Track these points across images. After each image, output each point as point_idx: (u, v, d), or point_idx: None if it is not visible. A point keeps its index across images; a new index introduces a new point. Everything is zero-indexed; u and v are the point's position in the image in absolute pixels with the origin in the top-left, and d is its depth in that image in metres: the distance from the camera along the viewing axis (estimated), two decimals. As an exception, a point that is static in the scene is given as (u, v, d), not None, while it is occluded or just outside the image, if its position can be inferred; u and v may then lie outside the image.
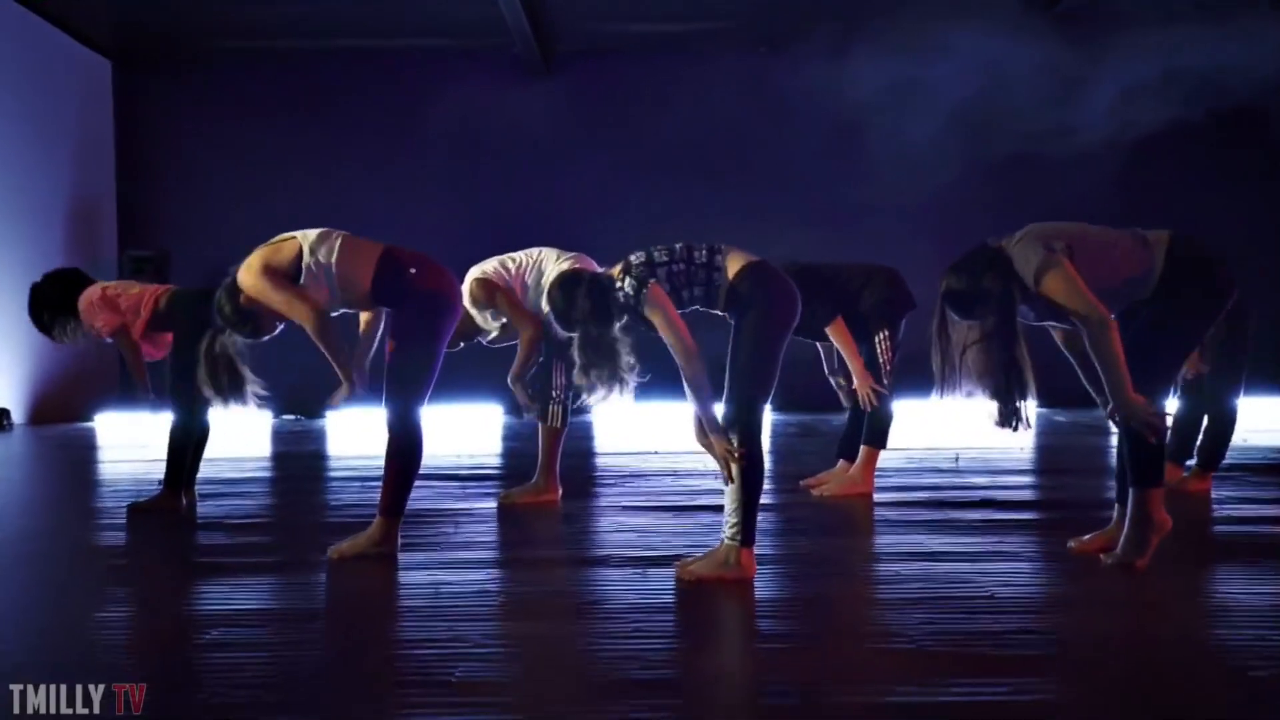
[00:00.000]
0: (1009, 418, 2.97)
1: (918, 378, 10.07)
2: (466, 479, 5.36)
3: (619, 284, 2.90)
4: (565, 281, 2.99)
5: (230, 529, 4.07)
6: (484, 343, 4.56)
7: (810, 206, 10.06)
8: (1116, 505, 3.27)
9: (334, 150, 11.15)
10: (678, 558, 3.21)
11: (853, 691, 2.15)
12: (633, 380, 2.91)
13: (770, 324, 2.91)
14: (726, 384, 2.92)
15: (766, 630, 2.69)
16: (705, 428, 2.90)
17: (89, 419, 10.37)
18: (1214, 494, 4.56)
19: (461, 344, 4.28)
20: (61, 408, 10.36)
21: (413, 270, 3.25)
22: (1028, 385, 2.95)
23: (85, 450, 7.99)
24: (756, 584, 2.94)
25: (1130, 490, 3.03)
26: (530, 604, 2.93)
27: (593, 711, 2.05)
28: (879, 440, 4.60)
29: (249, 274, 3.26)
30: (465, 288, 4.13)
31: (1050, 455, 6.57)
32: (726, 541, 2.94)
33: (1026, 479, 5.44)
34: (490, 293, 4.19)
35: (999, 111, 7.94)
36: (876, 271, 4.65)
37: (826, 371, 4.88)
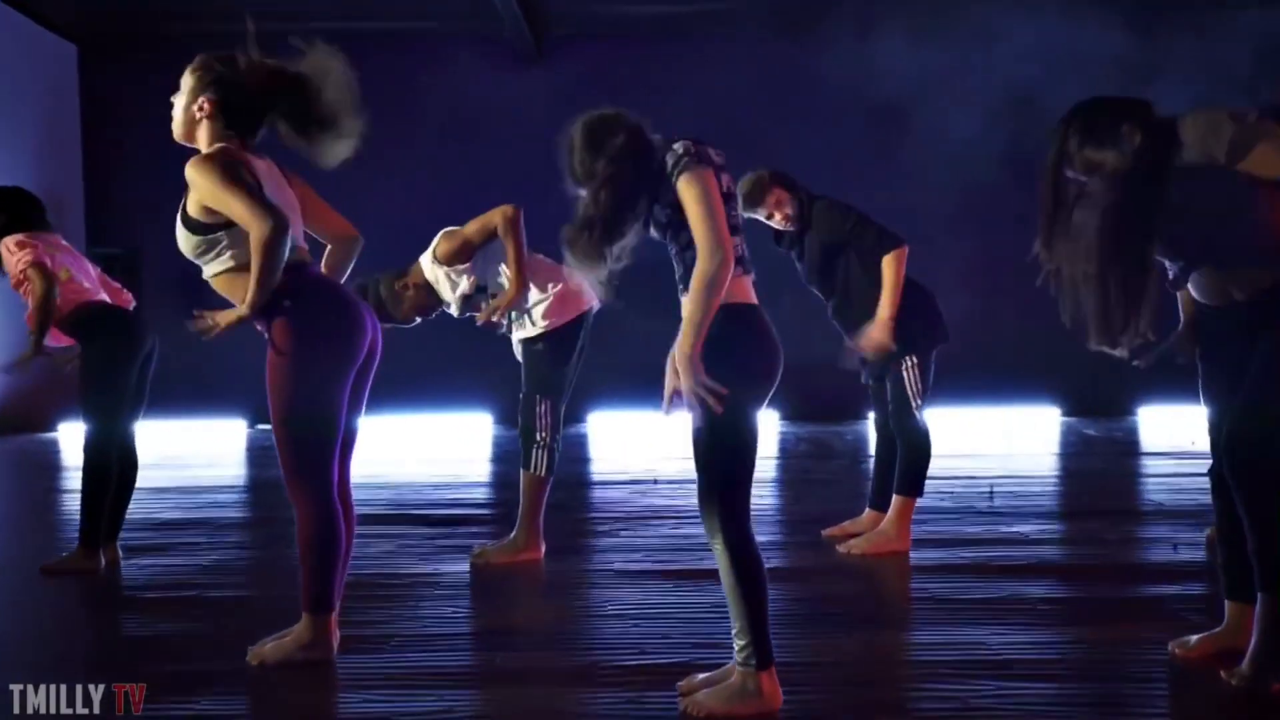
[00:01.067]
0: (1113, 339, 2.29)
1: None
2: (438, 522, 4.71)
3: (670, 149, 2.33)
4: (602, 118, 2.40)
5: (149, 609, 3.44)
6: (447, 311, 4.00)
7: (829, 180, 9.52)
8: (1228, 600, 2.62)
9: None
10: (678, 666, 2.58)
11: None
12: (611, 279, 2.34)
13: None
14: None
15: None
16: (685, 355, 2.24)
17: (52, 429, 9.78)
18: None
19: (418, 319, 3.98)
20: (24, 418, 9.77)
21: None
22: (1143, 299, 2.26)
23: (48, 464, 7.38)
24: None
25: (1262, 593, 2.38)
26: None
27: None
28: (914, 488, 3.96)
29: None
30: (431, 249, 3.83)
31: (1090, 483, 5.95)
32: (739, 667, 2.31)
33: (1074, 523, 4.77)
34: (464, 244, 3.76)
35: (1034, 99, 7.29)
36: (909, 287, 3.99)
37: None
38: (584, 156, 2.36)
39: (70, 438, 9.21)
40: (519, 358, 3.91)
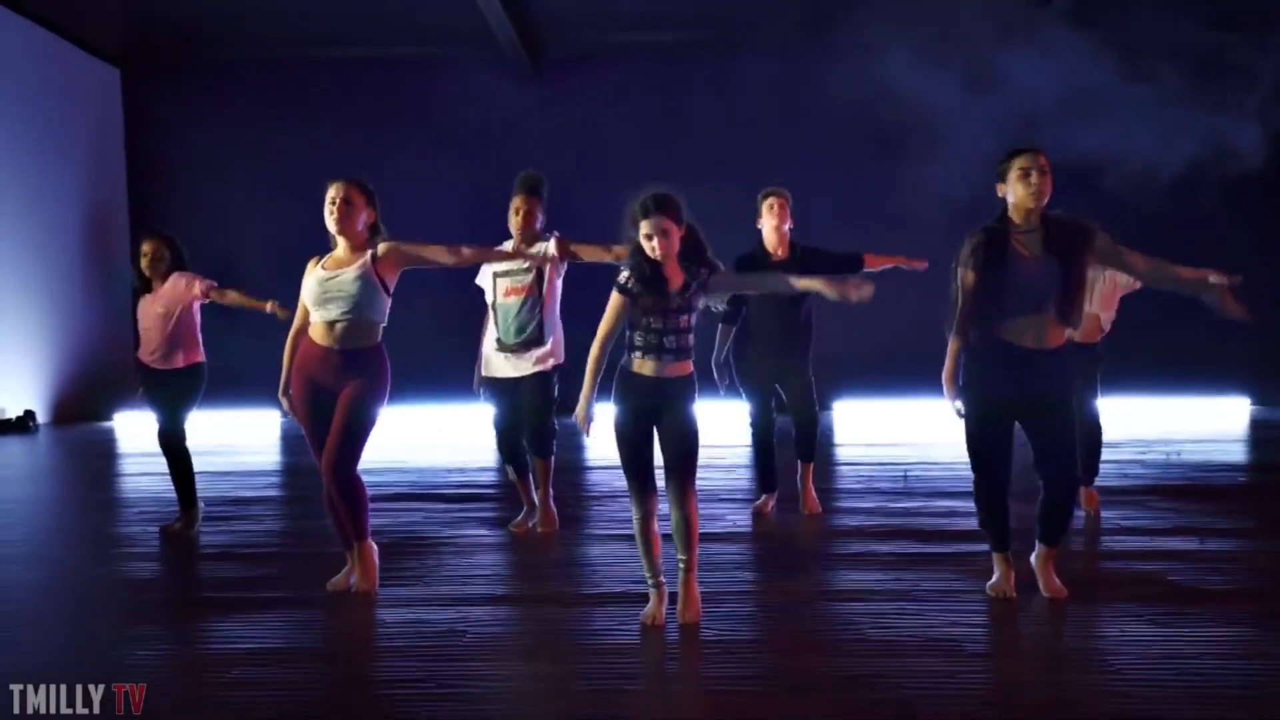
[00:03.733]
0: None
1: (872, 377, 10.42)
2: (455, 499, 5.84)
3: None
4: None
5: (234, 558, 4.58)
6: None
7: (806, 205, 10.45)
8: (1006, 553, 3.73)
9: (333, 153, 11.50)
10: (630, 595, 3.69)
11: None
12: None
13: None
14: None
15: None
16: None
17: (108, 419, 10.92)
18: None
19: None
20: (82, 408, 10.90)
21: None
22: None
23: (106, 452, 8.50)
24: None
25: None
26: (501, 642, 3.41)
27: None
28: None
29: None
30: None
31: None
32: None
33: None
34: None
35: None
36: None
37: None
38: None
39: (126, 427, 10.36)
40: (529, 384, 4.77)
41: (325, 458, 3.78)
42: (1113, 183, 8.88)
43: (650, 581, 3.49)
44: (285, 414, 3.87)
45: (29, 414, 10.12)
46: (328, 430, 3.78)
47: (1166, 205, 8.89)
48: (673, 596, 3.51)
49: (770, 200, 5.11)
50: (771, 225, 5.10)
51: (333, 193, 3.86)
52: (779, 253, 5.10)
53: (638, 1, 10.27)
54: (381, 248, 3.87)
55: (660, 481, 3.44)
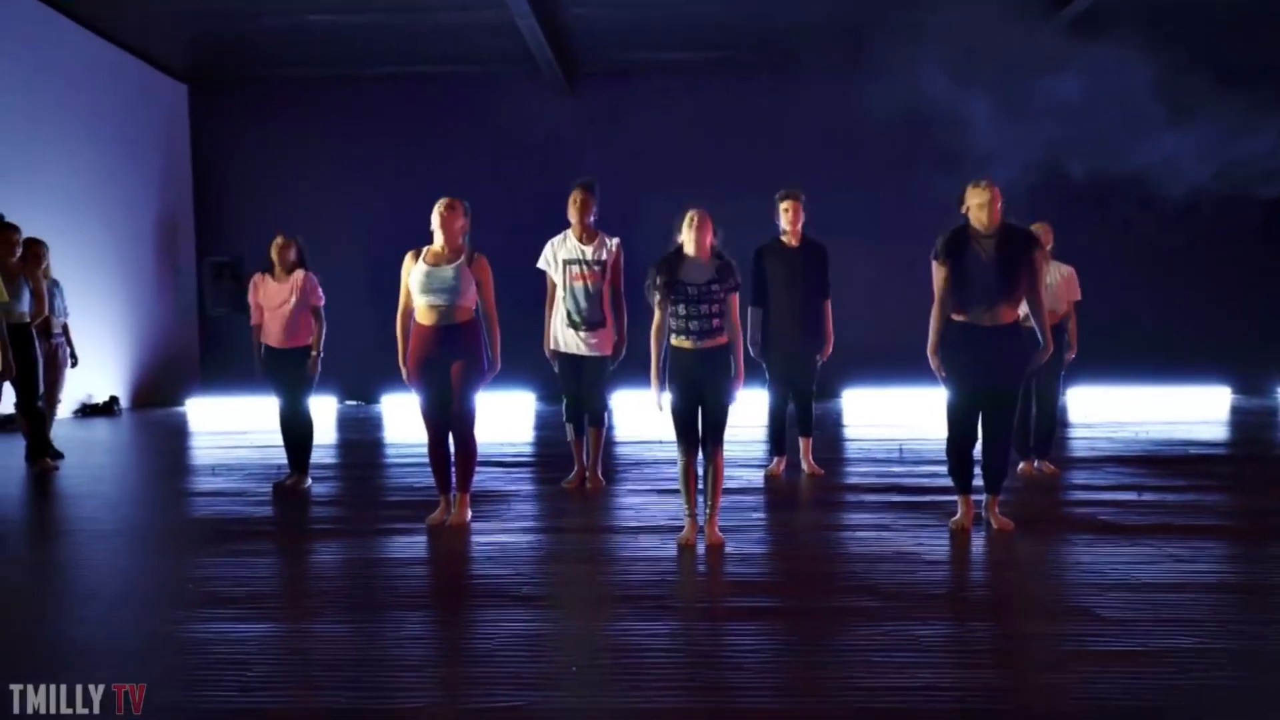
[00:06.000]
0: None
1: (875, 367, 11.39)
2: (511, 465, 6.87)
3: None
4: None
5: (334, 502, 5.61)
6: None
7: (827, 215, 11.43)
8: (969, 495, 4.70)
9: (382, 163, 12.61)
10: (665, 527, 4.69)
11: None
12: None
13: None
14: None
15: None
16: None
17: (180, 404, 12.02)
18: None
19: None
20: (157, 393, 12.01)
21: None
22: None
23: (180, 433, 9.57)
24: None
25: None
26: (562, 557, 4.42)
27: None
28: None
29: None
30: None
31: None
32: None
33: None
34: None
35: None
36: None
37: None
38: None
39: (197, 410, 11.45)
40: (590, 363, 5.71)
41: (452, 418, 4.78)
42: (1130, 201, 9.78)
43: (686, 512, 4.49)
44: (406, 382, 4.85)
45: (114, 399, 11.22)
46: (437, 394, 4.80)
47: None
48: (703, 531, 4.51)
49: (786, 203, 6.09)
50: (788, 220, 6.08)
51: (440, 208, 4.84)
52: (792, 242, 6.08)
53: (666, 22, 11.23)
54: (476, 259, 4.86)
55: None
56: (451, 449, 4.91)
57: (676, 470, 4.51)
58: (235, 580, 3.98)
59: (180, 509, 5.74)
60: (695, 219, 4.37)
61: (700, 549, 4.39)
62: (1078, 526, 4.78)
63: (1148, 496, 5.50)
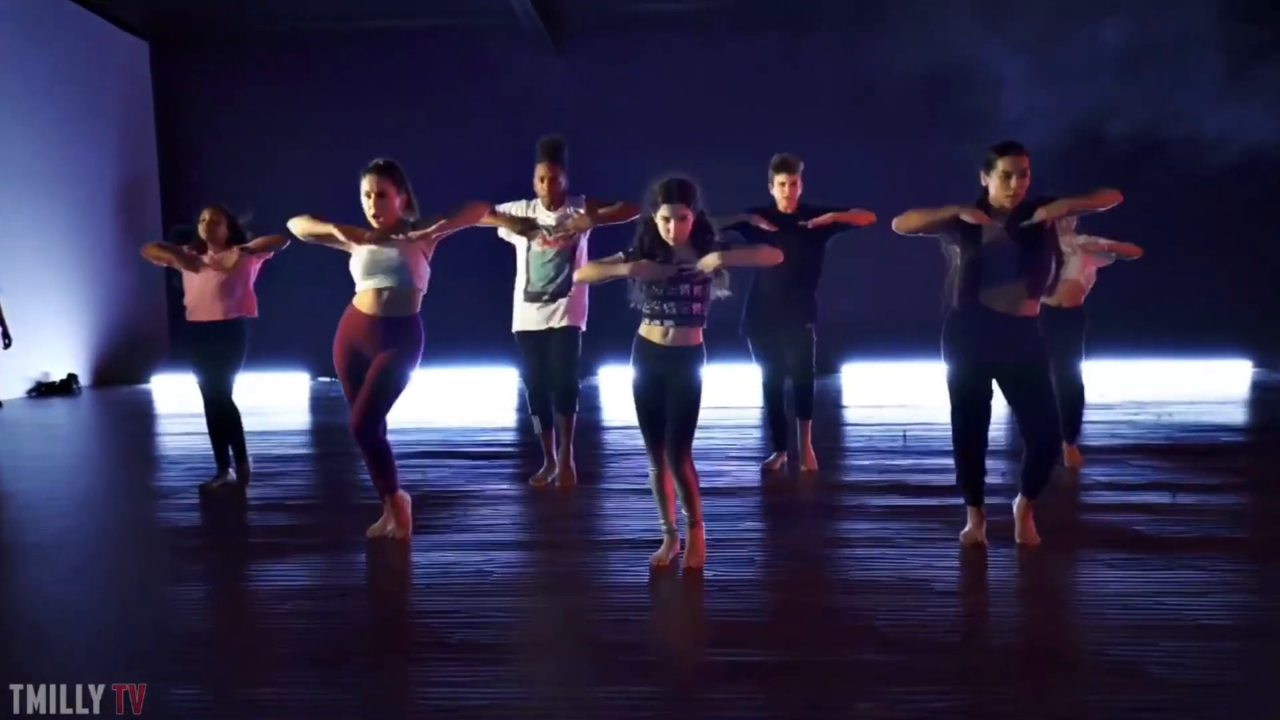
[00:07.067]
0: None
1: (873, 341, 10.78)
2: (478, 456, 6.27)
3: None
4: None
5: (282, 509, 5.02)
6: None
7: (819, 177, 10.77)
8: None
9: (357, 124, 11.87)
10: (640, 541, 4.09)
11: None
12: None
13: None
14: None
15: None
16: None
17: (145, 381, 11.42)
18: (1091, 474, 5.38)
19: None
20: (121, 371, 11.40)
21: None
22: None
23: (141, 414, 8.98)
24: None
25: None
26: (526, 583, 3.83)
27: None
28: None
29: None
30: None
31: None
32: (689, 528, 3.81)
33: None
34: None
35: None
36: None
37: None
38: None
39: (163, 389, 10.85)
40: (557, 339, 5.10)
41: (357, 413, 4.16)
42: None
43: (664, 527, 3.89)
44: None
45: (72, 377, 10.62)
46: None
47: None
48: (684, 544, 3.91)
49: (782, 175, 5.43)
50: (783, 193, 5.43)
51: (367, 185, 4.19)
52: (788, 210, 5.44)
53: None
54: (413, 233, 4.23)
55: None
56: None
57: (649, 481, 3.90)
58: (101, 626, 3.39)
59: (105, 515, 5.15)
60: (671, 216, 3.68)
61: (679, 570, 3.79)
62: (1109, 540, 4.17)
63: (1183, 499, 4.90)
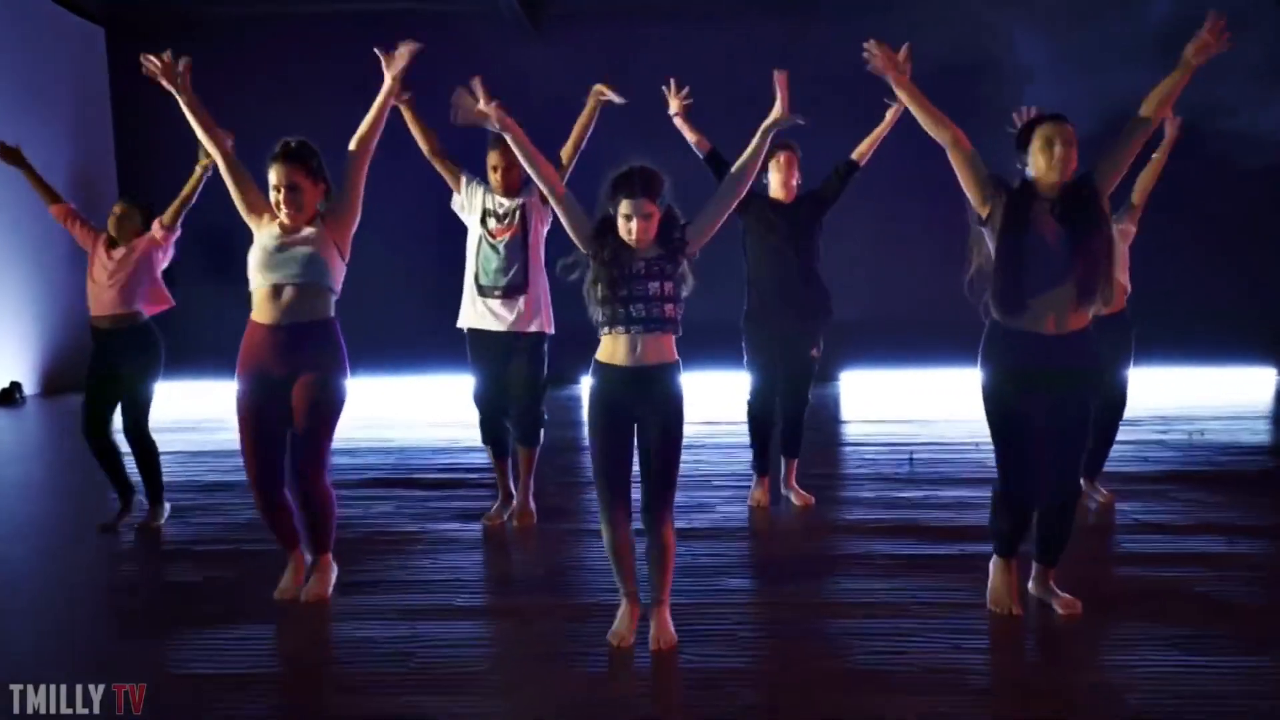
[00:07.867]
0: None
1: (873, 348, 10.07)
2: (434, 486, 5.54)
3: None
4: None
5: (199, 559, 4.29)
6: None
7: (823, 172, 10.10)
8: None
9: (326, 113, 11.10)
10: (600, 607, 3.38)
11: None
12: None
13: None
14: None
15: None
16: None
17: (96, 389, 10.67)
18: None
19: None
20: (73, 377, 10.66)
21: None
22: None
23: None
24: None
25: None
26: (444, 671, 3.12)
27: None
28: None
29: None
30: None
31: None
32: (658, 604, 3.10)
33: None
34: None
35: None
36: None
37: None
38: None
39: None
40: (521, 350, 4.35)
41: (291, 468, 3.44)
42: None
43: (622, 590, 3.18)
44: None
45: (15, 385, 9.88)
46: (270, 428, 3.45)
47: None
48: (647, 618, 3.19)
49: (779, 156, 4.73)
50: (779, 181, 4.73)
51: (275, 177, 3.48)
52: (784, 199, 4.74)
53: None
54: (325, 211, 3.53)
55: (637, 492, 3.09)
56: (292, 505, 3.55)
57: (604, 544, 3.16)
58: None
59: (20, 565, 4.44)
60: (633, 214, 2.97)
61: (644, 656, 3.07)
62: (1170, 609, 3.44)
63: (1241, 547, 4.19)
